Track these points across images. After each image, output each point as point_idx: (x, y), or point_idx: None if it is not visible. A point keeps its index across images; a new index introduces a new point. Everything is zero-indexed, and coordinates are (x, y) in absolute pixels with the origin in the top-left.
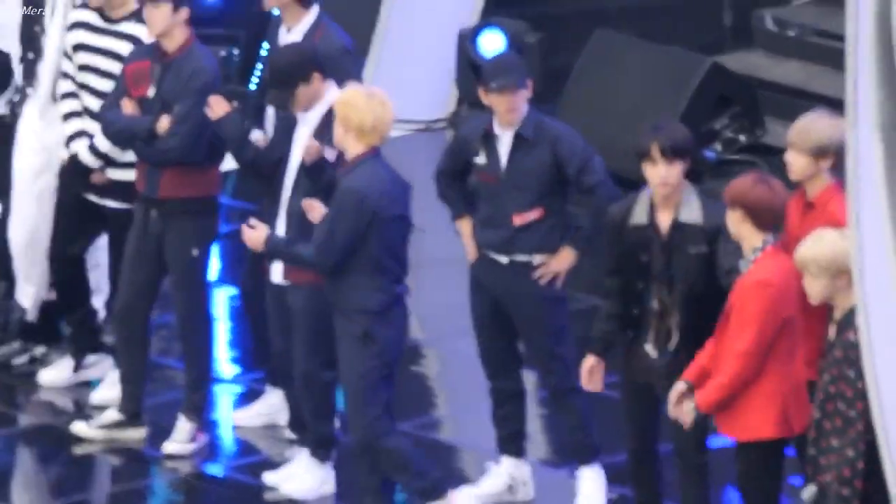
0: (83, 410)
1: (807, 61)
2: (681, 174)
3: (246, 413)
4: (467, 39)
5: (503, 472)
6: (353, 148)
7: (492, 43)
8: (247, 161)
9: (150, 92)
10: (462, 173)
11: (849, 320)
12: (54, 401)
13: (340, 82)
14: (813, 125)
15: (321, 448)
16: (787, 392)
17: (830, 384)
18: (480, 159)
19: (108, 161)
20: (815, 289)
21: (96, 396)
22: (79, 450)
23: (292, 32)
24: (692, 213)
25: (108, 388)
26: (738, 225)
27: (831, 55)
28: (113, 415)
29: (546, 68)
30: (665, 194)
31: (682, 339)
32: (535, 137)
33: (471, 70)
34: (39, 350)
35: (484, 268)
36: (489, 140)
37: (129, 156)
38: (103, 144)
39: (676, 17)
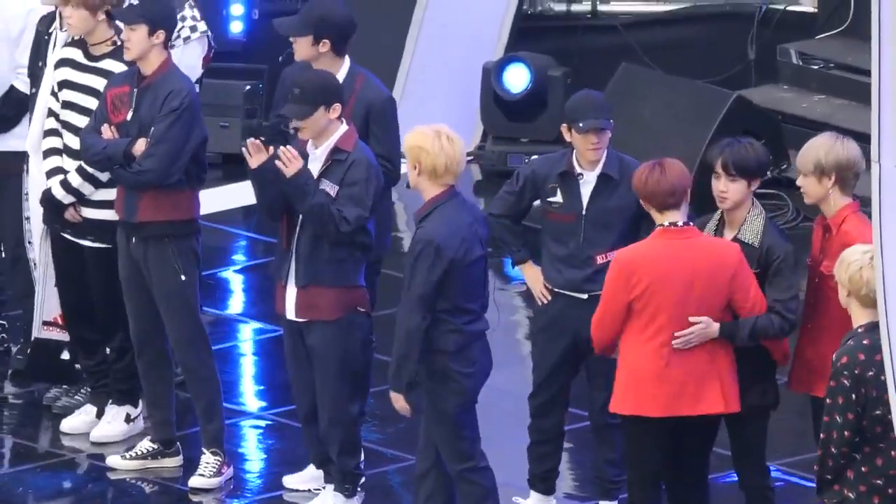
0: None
1: (831, 95)
2: (743, 192)
3: (297, 478)
4: (492, 73)
5: None
6: (430, 190)
7: (516, 77)
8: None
9: (129, 116)
10: (521, 215)
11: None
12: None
13: (384, 129)
14: (809, 146)
15: (347, 483)
16: (640, 372)
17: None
18: (556, 199)
19: (80, 197)
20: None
21: (96, 433)
22: (113, 476)
23: None
24: (750, 233)
25: (106, 425)
26: (645, 209)
27: (855, 89)
28: (147, 444)
29: None
30: (725, 208)
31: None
32: (619, 177)
33: (495, 104)
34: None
35: (562, 307)
36: (568, 179)
37: (102, 194)
38: (75, 180)
39: (701, 51)
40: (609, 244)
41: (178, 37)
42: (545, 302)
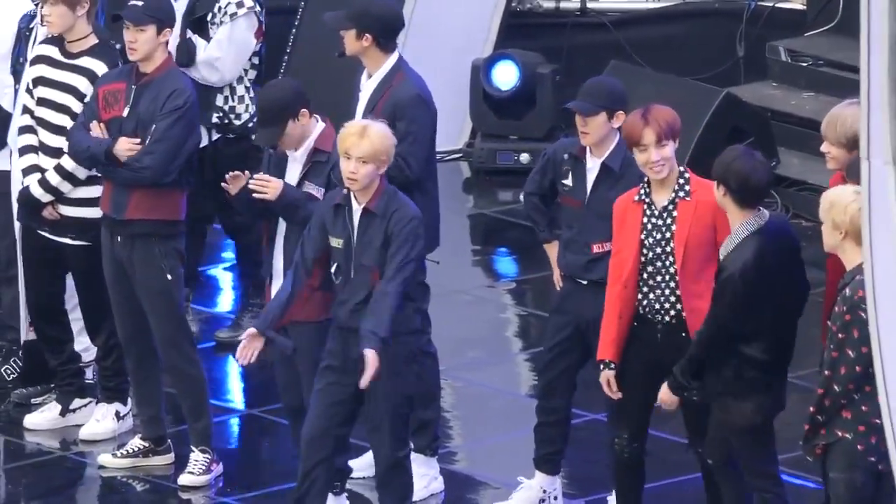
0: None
1: (820, 92)
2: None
3: (361, 461)
4: (481, 71)
5: (535, 485)
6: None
7: (505, 74)
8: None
9: (125, 112)
10: (550, 194)
11: (848, 280)
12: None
13: (405, 126)
14: (841, 118)
15: (336, 480)
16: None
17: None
18: (567, 182)
19: (59, 196)
20: (824, 237)
21: (85, 431)
22: (103, 474)
23: (372, 78)
24: None
25: (95, 423)
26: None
27: (845, 86)
28: (137, 442)
29: (560, 100)
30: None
31: None
32: (621, 170)
33: (484, 101)
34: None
35: (567, 291)
36: (578, 164)
37: (81, 192)
38: (54, 178)
39: (690, 48)
40: (606, 235)
41: (226, 13)
42: (559, 287)
